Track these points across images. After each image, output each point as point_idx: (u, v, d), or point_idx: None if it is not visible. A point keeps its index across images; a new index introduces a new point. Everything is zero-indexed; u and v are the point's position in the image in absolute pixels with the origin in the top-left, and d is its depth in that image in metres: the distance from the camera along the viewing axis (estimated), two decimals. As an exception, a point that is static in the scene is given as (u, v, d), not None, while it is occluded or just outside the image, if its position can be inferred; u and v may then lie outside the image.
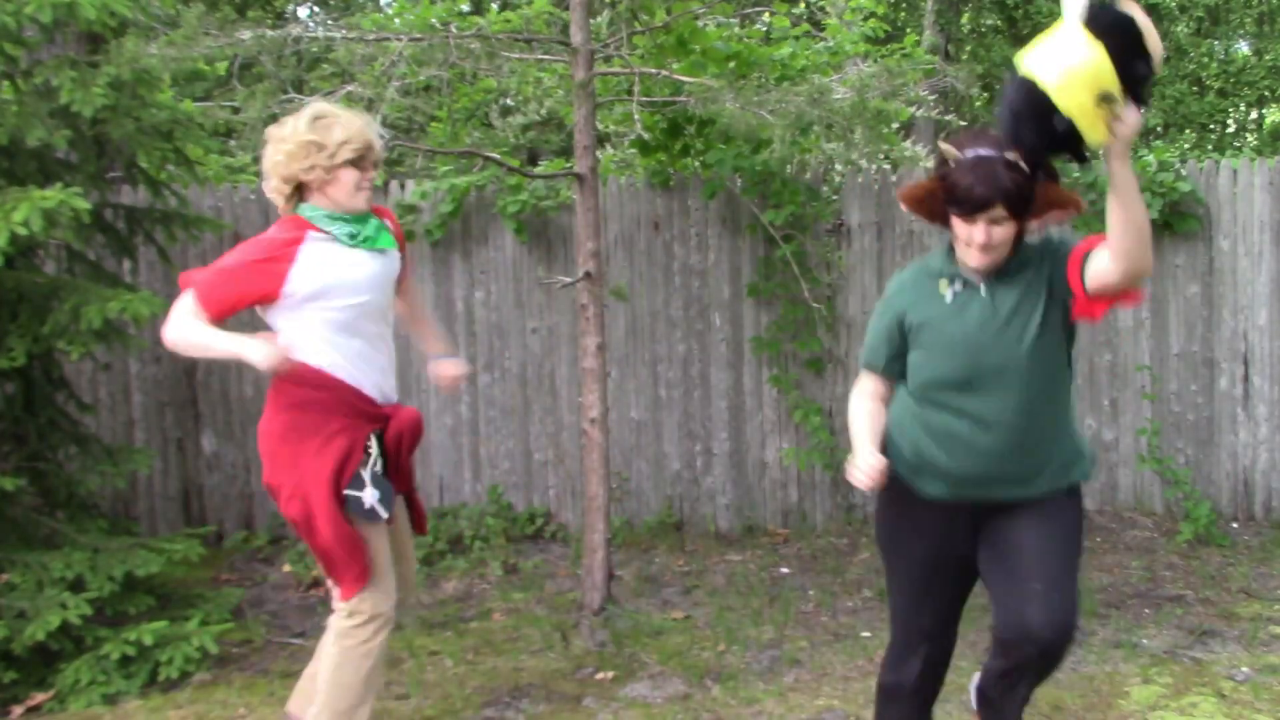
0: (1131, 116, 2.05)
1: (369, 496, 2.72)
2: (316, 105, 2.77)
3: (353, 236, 2.73)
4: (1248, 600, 4.29)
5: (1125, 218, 2.14)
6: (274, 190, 2.74)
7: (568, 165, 5.90)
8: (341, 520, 2.65)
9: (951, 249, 2.42)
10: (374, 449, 2.77)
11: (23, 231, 3.38)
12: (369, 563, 2.69)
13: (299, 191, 2.72)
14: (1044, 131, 2.12)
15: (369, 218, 2.79)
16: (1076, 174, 5.29)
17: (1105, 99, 1.99)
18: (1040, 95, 2.06)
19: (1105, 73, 1.98)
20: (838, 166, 6.17)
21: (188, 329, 2.66)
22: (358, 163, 2.67)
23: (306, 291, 2.67)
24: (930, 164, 7.04)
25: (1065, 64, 2.02)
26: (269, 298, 2.68)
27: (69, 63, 3.82)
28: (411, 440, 2.86)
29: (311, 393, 2.70)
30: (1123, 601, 4.31)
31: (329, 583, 2.80)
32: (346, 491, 2.68)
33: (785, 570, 4.86)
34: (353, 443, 2.70)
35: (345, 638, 2.75)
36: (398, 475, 2.86)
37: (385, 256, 2.84)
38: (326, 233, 2.71)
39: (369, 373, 2.76)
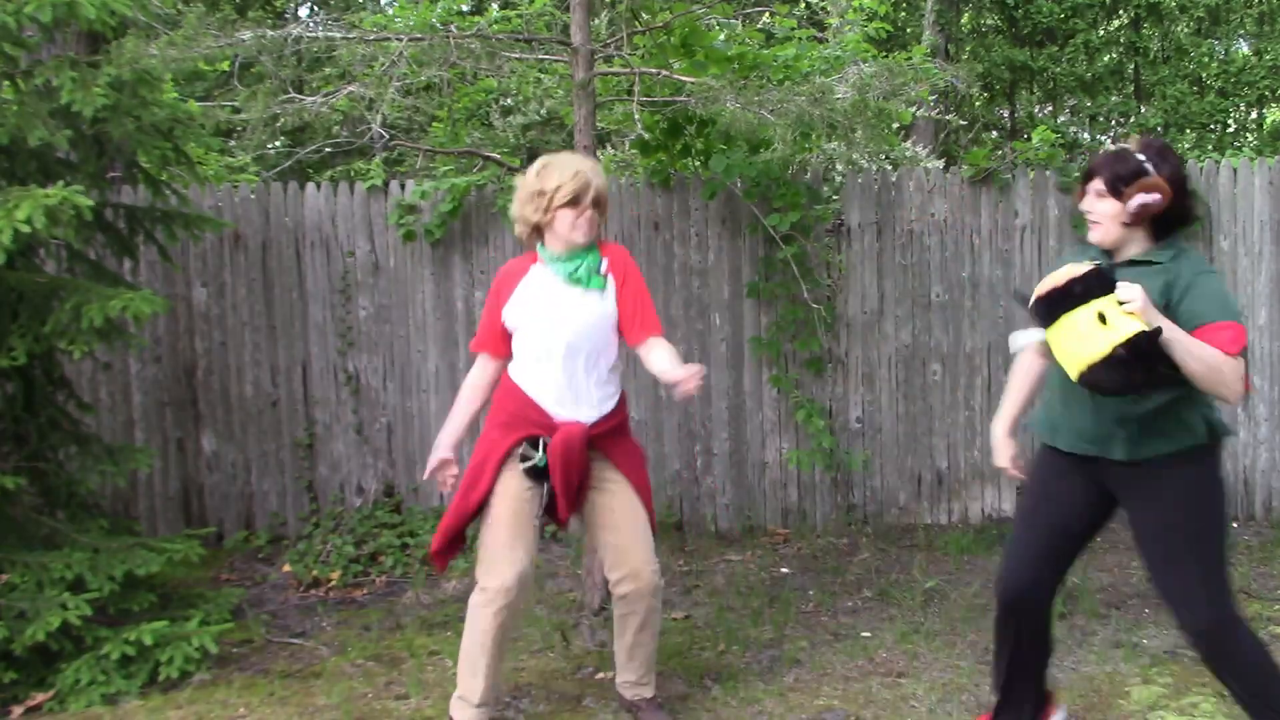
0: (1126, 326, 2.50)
1: (526, 459, 3.12)
2: (545, 157, 3.13)
3: (571, 275, 3.07)
4: (1248, 600, 4.28)
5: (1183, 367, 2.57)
6: (519, 234, 3.17)
7: (568, 165, 5.89)
8: (466, 492, 3.13)
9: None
10: (534, 449, 3.10)
11: (26, 229, 3.38)
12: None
13: (538, 232, 3.12)
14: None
15: (587, 254, 3.09)
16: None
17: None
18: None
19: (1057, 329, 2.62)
20: (838, 167, 6.17)
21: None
22: (573, 203, 3.01)
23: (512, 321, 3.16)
24: (930, 164, 7.04)
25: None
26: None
27: (69, 63, 3.81)
28: (566, 451, 3.05)
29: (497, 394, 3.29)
30: (1123, 601, 4.32)
31: None
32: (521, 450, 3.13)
33: (785, 570, 4.86)
34: (504, 437, 3.16)
35: (470, 601, 3.10)
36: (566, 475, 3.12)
37: (595, 295, 3.09)
38: (546, 269, 3.11)
39: (546, 391, 3.11)
